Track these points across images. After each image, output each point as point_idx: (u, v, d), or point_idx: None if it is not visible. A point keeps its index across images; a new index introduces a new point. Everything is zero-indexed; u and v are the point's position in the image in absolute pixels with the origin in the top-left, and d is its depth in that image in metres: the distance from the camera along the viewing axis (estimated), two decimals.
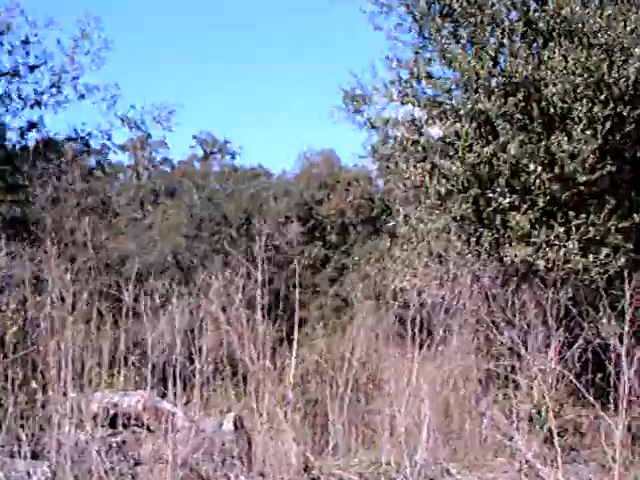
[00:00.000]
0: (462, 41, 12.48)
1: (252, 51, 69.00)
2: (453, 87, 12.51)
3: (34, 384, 8.01)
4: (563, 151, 11.50)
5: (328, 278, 34.96)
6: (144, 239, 33.89)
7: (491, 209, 11.85)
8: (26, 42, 16.36)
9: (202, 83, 68.37)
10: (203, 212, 32.92)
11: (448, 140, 12.23)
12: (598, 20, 11.63)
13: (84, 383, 8.07)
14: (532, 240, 11.54)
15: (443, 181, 11.94)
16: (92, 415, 8.11)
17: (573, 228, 11.47)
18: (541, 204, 11.65)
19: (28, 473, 7.24)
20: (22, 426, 7.47)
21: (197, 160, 47.43)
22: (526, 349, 9.61)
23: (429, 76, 12.52)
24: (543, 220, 11.75)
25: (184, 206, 35.75)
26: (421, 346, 9.44)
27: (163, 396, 8.82)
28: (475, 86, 12.13)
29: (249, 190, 36.33)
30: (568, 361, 9.85)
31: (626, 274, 9.27)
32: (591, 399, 8.99)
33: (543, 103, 11.89)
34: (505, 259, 11.53)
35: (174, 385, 8.70)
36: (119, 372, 8.85)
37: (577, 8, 11.70)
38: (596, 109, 11.49)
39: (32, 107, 16.69)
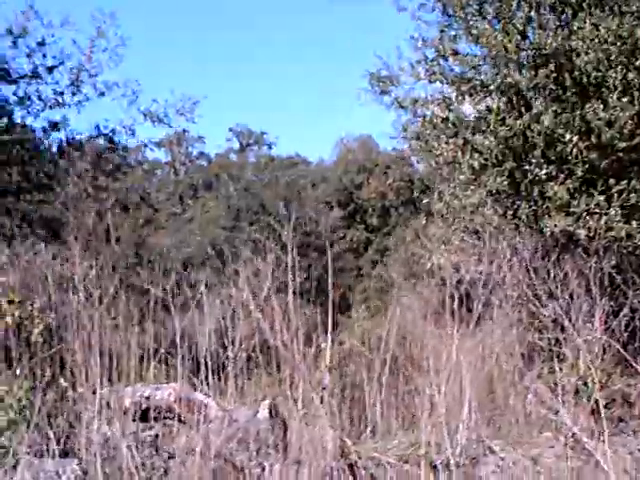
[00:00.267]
0: (488, 17, 12.19)
1: (286, 43, 68.86)
2: (481, 63, 12.24)
3: (63, 382, 7.93)
4: (599, 119, 11.18)
5: (371, 261, 34.84)
6: (184, 233, 34.00)
7: (528, 181, 11.57)
8: (42, 44, 16.31)
9: (238, 76, 68.44)
10: (240, 202, 32.91)
11: (479, 115, 12.01)
12: None
13: (114, 378, 7.97)
14: (572, 210, 11.24)
15: (476, 155, 11.68)
16: (124, 410, 8.01)
17: (614, 195, 11.14)
18: (579, 173, 11.34)
19: (57, 473, 7.12)
20: (50, 424, 7.39)
21: (234, 152, 47.48)
22: (570, 320, 9.35)
23: (455, 53, 12.24)
24: (582, 189, 11.43)
25: (222, 198, 35.81)
26: (460, 322, 9.20)
27: (195, 388, 8.71)
28: (504, 60, 11.85)
29: (285, 178, 36.28)
30: (614, 330, 9.56)
31: None
32: (639, 368, 8.70)
33: (576, 73, 11.57)
34: (545, 230, 11.24)
35: (206, 376, 8.60)
36: (149, 366, 8.73)
37: None
38: (631, 75, 11.20)
39: (52, 107, 16.66)
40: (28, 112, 16.61)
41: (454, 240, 11.85)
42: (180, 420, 8.41)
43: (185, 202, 40.38)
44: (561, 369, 9.18)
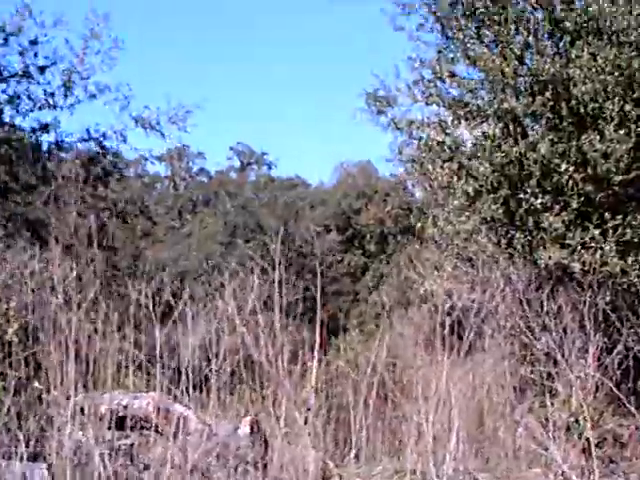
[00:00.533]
0: (486, 40, 11.78)
1: (291, 60, 68.52)
2: (478, 87, 11.85)
3: (37, 384, 7.46)
4: (596, 150, 10.70)
5: (368, 286, 34.43)
6: (182, 247, 33.58)
7: (523, 210, 11.11)
8: (34, 43, 15.73)
9: (239, 93, 68.03)
10: (237, 219, 32.52)
11: (475, 141, 11.62)
12: (627, 17, 10.86)
13: (90, 384, 7.49)
14: (567, 242, 10.76)
15: (471, 181, 11.24)
16: (100, 417, 7.53)
17: (609, 230, 10.67)
18: (575, 205, 10.86)
19: (24, 476, 6.65)
20: (20, 426, 6.93)
21: (234, 171, 47.17)
22: (562, 355, 8.91)
23: (452, 75, 11.82)
24: (577, 222, 10.96)
25: (219, 214, 35.46)
26: (451, 350, 8.76)
27: (176, 398, 8.22)
28: (501, 85, 11.43)
29: (284, 198, 35.94)
30: (607, 368, 9.12)
31: None
32: (632, 408, 8.25)
33: (573, 102, 11.11)
34: (539, 262, 10.80)
35: (187, 388, 8.12)
36: (127, 373, 8.23)
37: (605, 6, 10.97)
38: (628, 107, 10.73)
39: (41, 108, 16.05)
40: (17, 111, 16.01)
41: (447, 266, 11.41)
42: (157, 431, 7.91)
43: (184, 217, 39.98)
44: (552, 404, 8.71)
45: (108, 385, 7.79)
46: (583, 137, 10.88)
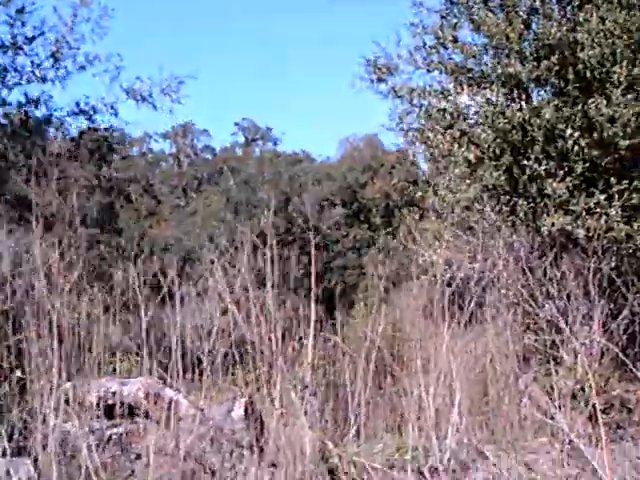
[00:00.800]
0: (491, 4, 11.53)
1: (294, 37, 67.89)
2: (482, 52, 11.58)
3: (19, 373, 7.22)
4: (602, 115, 10.51)
5: (374, 260, 34.21)
6: (185, 226, 33.40)
7: (526, 177, 10.91)
8: (21, 11, 15.28)
9: (244, 69, 67.50)
10: (240, 195, 32.30)
11: (478, 107, 11.38)
12: None
13: (75, 371, 7.27)
14: (571, 208, 10.57)
15: (472, 148, 11.04)
16: (88, 406, 7.33)
17: (615, 195, 10.48)
18: (580, 170, 10.66)
19: (8, 472, 6.38)
20: (2, 420, 6.70)
21: (239, 147, 46.87)
22: (566, 322, 8.72)
23: (455, 40, 11.58)
24: (582, 187, 10.76)
25: (222, 191, 35.25)
26: (451, 321, 8.56)
27: (165, 382, 7.99)
28: (505, 50, 11.20)
29: (287, 173, 35.67)
30: (613, 334, 8.94)
31: None
32: (638, 373, 8.06)
33: (579, 66, 10.88)
34: (542, 229, 10.60)
35: (178, 371, 7.90)
36: (113, 360, 7.98)
37: None
38: (636, 71, 10.52)
39: (29, 81, 15.65)
40: (3, 84, 15.59)
41: (447, 236, 11.21)
42: (149, 417, 7.72)
43: (189, 195, 39.78)
44: (557, 372, 8.53)
45: (96, 372, 7.55)
46: (589, 102, 10.68)
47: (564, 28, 10.76)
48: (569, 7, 11.36)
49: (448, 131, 11.38)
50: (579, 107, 10.67)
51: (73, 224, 8.39)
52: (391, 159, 37.55)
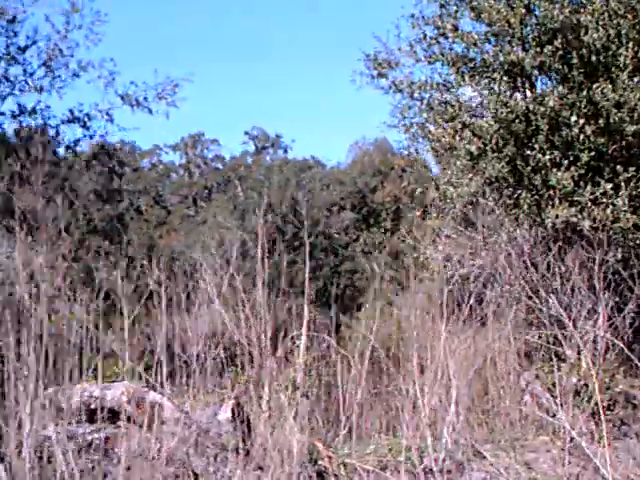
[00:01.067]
0: None
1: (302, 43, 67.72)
2: (483, 40, 11.39)
3: None
4: (608, 100, 10.32)
5: (384, 263, 33.96)
6: (194, 235, 33.30)
7: (530, 168, 10.70)
8: (13, 21, 15.25)
9: (253, 79, 67.40)
10: (248, 202, 32.15)
11: (480, 97, 11.17)
12: None
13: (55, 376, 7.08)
14: (576, 199, 10.35)
15: (474, 140, 10.82)
16: (69, 410, 7.15)
17: (622, 184, 10.26)
18: (585, 159, 10.45)
19: None
20: None
21: (249, 156, 46.78)
22: (570, 317, 8.46)
23: (455, 29, 11.40)
24: (588, 177, 10.55)
25: (229, 199, 35.17)
26: (449, 318, 8.33)
27: (148, 384, 7.80)
28: (507, 37, 11.03)
29: (295, 179, 35.50)
30: (618, 328, 8.69)
31: None
32: None
33: (583, 50, 10.71)
34: (546, 221, 10.35)
35: (162, 374, 7.71)
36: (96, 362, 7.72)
37: None
38: None
39: (22, 90, 15.62)
40: None
41: (447, 231, 10.97)
42: (133, 422, 7.53)
43: (199, 204, 39.72)
44: (560, 369, 8.26)
45: (77, 376, 7.36)
46: (594, 87, 10.47)
47: (567, 10, 10.54)
48: None
49: (450, 124, 11.17)
50: (584, 93, 10.47)
51: (59, 231, 8.20)
52: (401, 162, 37.31)
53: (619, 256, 9.65)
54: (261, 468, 7.12)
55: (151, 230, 37.40)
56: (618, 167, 10.33)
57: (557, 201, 10.39)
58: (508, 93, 11.06)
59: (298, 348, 8.37)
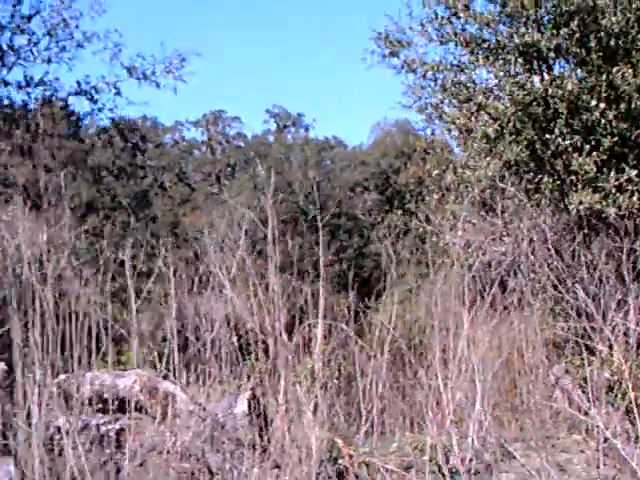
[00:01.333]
0: None
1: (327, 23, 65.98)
2: (496, 19, 10.41)
3: (2, 365, 6.31)
4: (629, 84, 9.44)
5: (409, 246, 33.00)
6: (219, 213, 32.55)
7: (550, 152, 9.80)
8: None
9: (277, 56, 65.93)
10: (268, 181, 31.17)
11: (495, 79, 10.27)
12: None
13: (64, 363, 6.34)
14: (600, 185, 9.46)
15: (491, 122, 9.92)
16: (80, 400, 6.42)
17: None
18: (607, 144, 9.54)
19: None
20: None
21: (271, 134, 45.78)
22: (598, 309, 7.59)
23: (467, 8, 10.41)
24: (612, 163, 9.65)
25: (250, 178, 34.26)
26: (471, 308, 7.47)
27: (164, 375, 7.05)
28: (522, 18, 10.06)
29: (316, 158, 34.54)
30: None
31: None
32: None
33: (601, 34, 9.74)
34: (570, 208, 9.47)
35: (175, 363, 6.95)
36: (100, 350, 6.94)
37: None
38: None
39: (27, 60, 14.70)
40: (3, 64, 14.68)
41: (466, 216, 10.07)
42: (146, 412, 6.78)
43: (222, 182, 38.84)
44: (590, 363, 7.40)
45: (85, 364, 6.59)
46: (614, 70, 9.55)
47: None
48: None
49: (465, 105, 10.25)
50: (603, 77, 9.54)
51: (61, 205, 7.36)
52: (422, 144, 36.18)
53: None
54: (278, 467, 6.38)
55: (175, 207, 36.66)
56: None
57: (580, 187, 9.50)
58: (525, 76, 10.15)
59: (315, 337, 7.56)
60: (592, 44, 9.75)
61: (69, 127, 17.16)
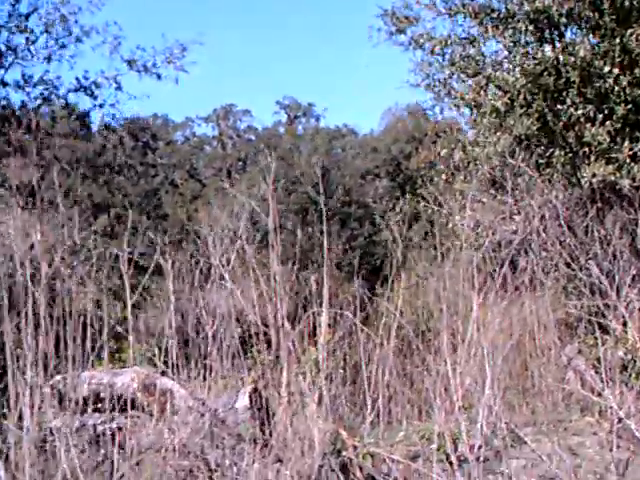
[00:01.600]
0: None
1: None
2: None
3: None
4: None
5: (418, 231, 32.86)
6: (227, 205, 32.60)
7: (562, 124, 9.71)
8: None
9: (284, 47, 65.86)
10: (278, 172, 31.13)
11: (505, 50, 10.16)
12: None
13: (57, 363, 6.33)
14: (613, 156, 9.36)
15: (500, 95, 9.82)
16: (76, 399, 6.40)
17: None
18: (621, 113, 9.47)
19: None
20: None
21: (282, 126, 45.77)
22: (612, 286, 7.47)
23: None
24: (625, 132, 9.55)
25: (260, 170, 34.32)
26: (480, 290, 7.37)
27: (162, 373, 7.03)
28: None
29: (326, 147, 34.46)
30: None
31: None
32: None
33: None
34: (583, 181, 9.36)
35: (172, 359, 6.93)
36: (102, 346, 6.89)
37: None
38: None
39: (25, 59, 14.71)
40: (1, 65, 14.66)
41: (475, 195, 9.98)
42: (143, 410, 6.76)
43: (233, 177, 38.90)
44: (604, 342, 7.29)
45: (81, 363, 6.57)
46: (628, 33, 9.47)
47: None
48: None
49: (474, 79, 10.17)
50: (617, 41, 9.47)
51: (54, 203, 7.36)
52: (434, 128, 35.99)
53: None
54: (280, 460, 6.33)
55: (186, 204, 36.73)
56: None
57: (593, 159, 9.40)
58: (535, 45, 10.04)
59: (319, 326, 7.49)
60: (605, 6, 9.66)
61: (81, 127, 17.16)
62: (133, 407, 6.68)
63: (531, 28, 9.89)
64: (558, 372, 7.84)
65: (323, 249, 8.04)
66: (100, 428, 6.61)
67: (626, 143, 9.30)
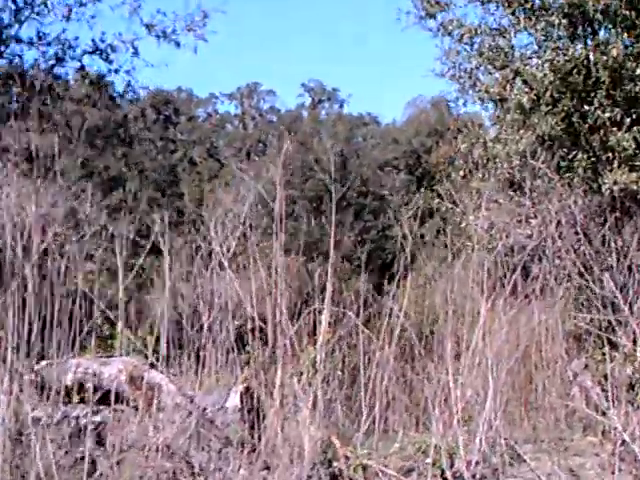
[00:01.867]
0: None
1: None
2: None
3: None
4: None
5: (436, 228, 32.52)
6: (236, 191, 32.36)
7: (587, 126, 9.46)
8: None
9: (313, 28, 65.41)
10: (295, 155, 30.87)
11: (535, 44, 9.93)
12: None
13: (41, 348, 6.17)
14: (637, 164, 9.12)
15: (526, 90, 9.58)
16: (59, 388, 6.24)
17: None
18: None
19: None
20: None
21: (305, 109, 45.49)
22: (626, 300, 7.20)
23: None
24: None
25: (276, 153, 34.12)
26: (489, 297, 7.14)
27: (151, 365, 6.80)
28: None
29: (345, 135, 34.16)
30: None
31: None
32: None
33: None
34: (603, 187, 9.11)
35: (163, 352, 6.74)
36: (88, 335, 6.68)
37: None
38: None
39: (39, 14, 14.28)
40: (16, 19, 14.31)
41: (492, 195, 9.72)
42: (127, 403, 6.56)
43: (252, 158, 38.71)
44: (612, 358, 7.05)
45: (69, 349, 6.40)
46: None
47: None
48: None
49: (501, 72, 9.92)
50: None
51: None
52: (455, 123, 35.54)
53: None
54: (268, 468, 6.15)
55: (203, 183, 36.58)
56: None
57: (616, 165, 9.16)
58: (567, 41, 9.79)
59: (320, 324, 7.27)
60: None
61: (96, 94, 16.71)
62: (118, 400, 6.49)
63: (564, 22, 9.65)
64: (563, 387, 7.61)
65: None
66: (83, 421, 6.43)
67: None
